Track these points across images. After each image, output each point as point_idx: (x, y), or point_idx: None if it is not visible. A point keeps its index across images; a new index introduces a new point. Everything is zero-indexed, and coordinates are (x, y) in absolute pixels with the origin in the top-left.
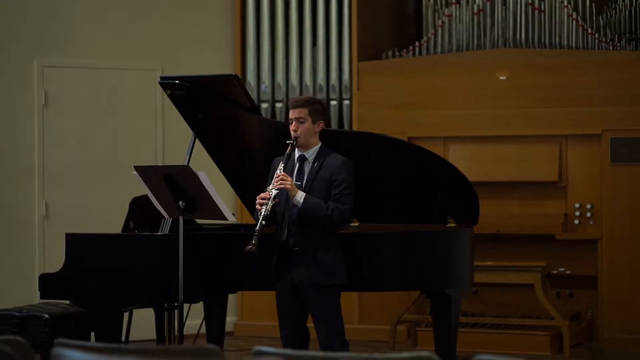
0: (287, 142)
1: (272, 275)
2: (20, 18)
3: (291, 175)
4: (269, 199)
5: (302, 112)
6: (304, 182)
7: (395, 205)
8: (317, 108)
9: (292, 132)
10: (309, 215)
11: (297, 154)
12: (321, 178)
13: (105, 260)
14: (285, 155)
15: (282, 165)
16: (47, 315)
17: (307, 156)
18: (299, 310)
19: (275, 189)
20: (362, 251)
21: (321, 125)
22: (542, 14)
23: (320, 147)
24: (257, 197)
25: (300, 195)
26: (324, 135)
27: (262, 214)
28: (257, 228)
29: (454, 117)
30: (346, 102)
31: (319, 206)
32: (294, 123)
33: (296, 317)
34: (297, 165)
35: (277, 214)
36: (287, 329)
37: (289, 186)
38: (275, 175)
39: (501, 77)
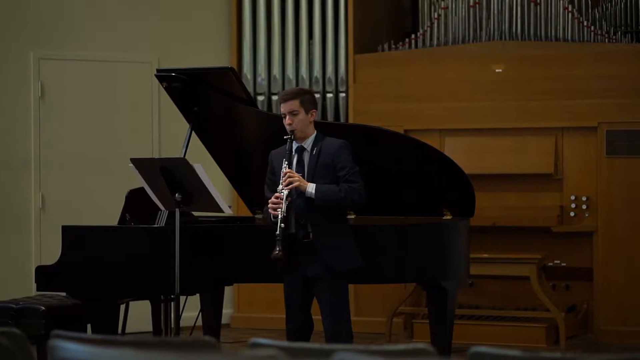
0: (285, 137)
1: (280, 268)
2: (16, 10)
3: (291, 167)
4: (282, 200)
5: (294, 104)
6: (306, 171)
7: (391, 198)
8: (307, 98)
9: (287, 127)
10: (326, 203)
11: (294, 145)
12: (323, 164)
13: (102, 252)
14: (287, 152)
15: (286, 162)
16: (43, 307)
17: (305, 146)
18: (306, 303)
19: (286, 189)
20: (358, 243)
21: (314, 114)
22: (538, 6)
23: (316, 134)
24: (269, 202)
25: (310, 187)
26: (321, 129)
27: (280, 217)
28: (278, 232)
29: (450, 110)
30: (342, 94)
31: (332, 190)
32: (287, 117)
33: (303, 310)
34: (296, 156)
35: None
36: (293, 322)
37: (298, 183)
38: (282, 174)
39: (497, 70)
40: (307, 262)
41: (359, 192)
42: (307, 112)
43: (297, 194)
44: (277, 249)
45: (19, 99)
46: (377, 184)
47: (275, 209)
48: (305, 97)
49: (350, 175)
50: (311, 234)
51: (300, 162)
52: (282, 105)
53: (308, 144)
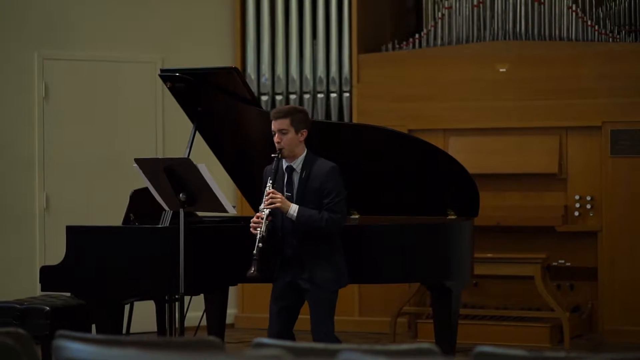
0: (272, 155)
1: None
2: (20, 10)
3: (281, 187)
4: (262, 219)
5: (284, 123)
6: (295, 192)
7: (396, 198)
8: (299, 117)
9: (276, 144)
10: (305, 227)
11: (285, 164)
12: (311, 188)
13: (106, 252)
14: (272, 171)
15: (270, 181)
16: (48, 308)
17: (294, 166)
18: (289, 312)
19: (267, 209)
20: (362, 243)
21: (305, 134)
22: (542, 6)
23: (306, 154)
24: (251, 221)
25: (293, 209)
26: (324, 128)
27: (258, 236)
28: (255, 252)
29: (454, 110)
30: (346, 94)
31: (313, 218)
32: (277, 135)
33: (283, 319)
34: (286, 175)
35: (275, 226)
36: (272, 329)
37: (280, 204)
38: (265, 193)
39: (501, 69)
40: (296, 272)
41: (338, 225)
42: (297, 131)
43: (283, 214)
44: (252, 268)
45: (23, 99)
46: (381, 183)
47: (255, 228)
48: (296, 117)
49: (334, 204)
50: (299, 252)
51: (290, 182)
52: (272, 122)
53: (297, 164)
